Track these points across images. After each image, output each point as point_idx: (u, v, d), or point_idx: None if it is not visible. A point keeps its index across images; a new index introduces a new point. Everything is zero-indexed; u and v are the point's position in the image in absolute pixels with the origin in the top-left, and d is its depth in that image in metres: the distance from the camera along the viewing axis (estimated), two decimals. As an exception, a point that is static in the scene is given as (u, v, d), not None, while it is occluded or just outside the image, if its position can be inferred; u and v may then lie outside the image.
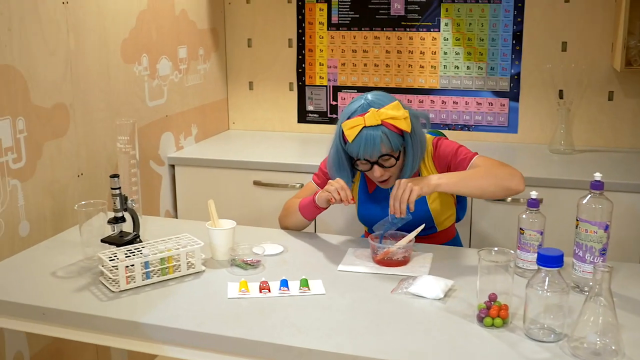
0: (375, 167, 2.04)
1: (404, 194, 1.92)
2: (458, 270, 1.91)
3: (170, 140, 3.15)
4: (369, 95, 2.05)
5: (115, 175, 2.00)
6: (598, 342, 1.44)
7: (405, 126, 2.00)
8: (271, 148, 3.32)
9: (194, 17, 3.30)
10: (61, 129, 2.38)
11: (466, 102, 3.38)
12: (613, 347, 1.44)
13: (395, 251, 1.94)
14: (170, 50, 3.09)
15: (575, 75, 3.16)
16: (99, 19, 2.56)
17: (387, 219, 2.00)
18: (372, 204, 2.20)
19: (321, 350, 1.50)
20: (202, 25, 3.39)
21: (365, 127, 1.98)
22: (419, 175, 2.13)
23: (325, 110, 3.59)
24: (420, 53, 3.39)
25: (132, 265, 1.81)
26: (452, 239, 2.28)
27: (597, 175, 1.72)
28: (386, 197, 2.17)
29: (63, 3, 2.35)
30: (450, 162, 2.10)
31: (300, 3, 3.51)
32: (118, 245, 1.95)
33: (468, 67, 3.34)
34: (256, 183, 3.06)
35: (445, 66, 3.37)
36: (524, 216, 1.84)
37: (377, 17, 3.42)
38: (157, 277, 1.85)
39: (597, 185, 1.72)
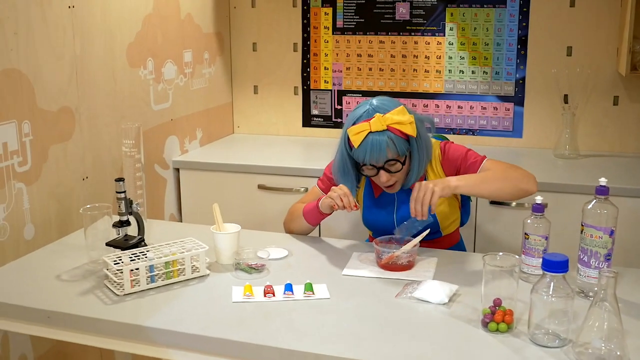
0: (382, 172, 2.04)
1: (425, 196, 1.90)
2: (463, 275, 1.91)
3: (175, 144, 3.16)
4: (374, 101, 2.05)
5: (121, 179, 2.00)
6: (603, 348, 1.43)
7: (411, 131, 2.00)
8: (276, 152, 3.32)
9: (199, 21, 3.31)
10: (67, 132, 2.38)
11: (471, 106, 3.38)
12: (618, 353, 1.43)
13: (400, 256, 1.94)
14: (175, 54, 3.10)
15: (581, 80, 3.15)
16: (104, 23, 2.56)
17: (407, 223, 2.00)
18: (377, 208, 2.20)
19: (325, 355, 1.50)
20: (208, 29, 3.40)
21: (371, 132, 1.98)
22: (425, 180, 2.13)
23: (330, 114, 3.60)
24: (425, 57, 3.39)
25: (137, 269, 1.81)
26: (456, 244, 2.28)
27: (603, 181, 1.72)
28: (391, 202, 2.17)
29: (69, 7, 2.36)
30: (460, 166, 2.10)
31: (305, 7, 3.52)
32: (123, 249, 1.96)
33: (473, 72, 3.34)
34: (261, 187, 3.06)
35: (450, 70, 3.37)
36: (528, 221, 1.83)
37: (382, 21, 3.42)
38: (162, 280, 1.85)
39: (602, 191, 1.71)
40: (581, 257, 1.75)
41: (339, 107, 3.57)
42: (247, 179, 3.08)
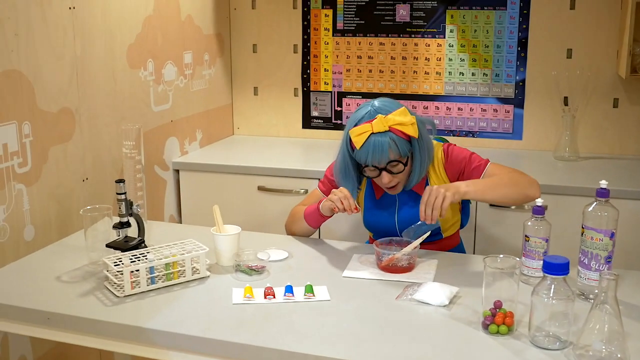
0: (384, 173, 2.04)
1: (437, 200, 1.90)
2: (463, 277, 1.91)
3: (175, 145, 3.16)
4: (376, 102, 2.05)
5: (121, 180, 2.00)
6: (604, 350, 1.43)
7: (413, 132, 2.01)
8: (276, 153, 3.32)
9: (199, 23, 3.31)
10: (67, 133, 2.38)
11: (471, 108, 3.38)
12: (619, 355, 1.43)
13: (400, 257, 1.94)
14: (175, 55, 3.10)
15: (581, 82, 3.15)
16: (105, 24, 2.56)
17: (415, 226, 2.00)
18: (378, 210, 2.20)
19: (326, 357, 1.50)
20: (208, 30, 3.40)
21: (373, 133, 1.99)
22: (427, 182, 2.13)
23: (329, 116, 3.60)
24: (425, 59, 3.40)
25: (137, 271, 1.81)
26: (456, 246, 2.28)
27: (603, 183, 1.72)
28: (393, 203, 2.17)
29: (70, 8, 2.36)
30: (464, 169, 2.11)
31: (305, 9, 3.52)
32: (123, 250, 1.96)
33: (473, 74, 3.34)
34: (260, 188, 3.06)
35: (450, 72, 3.37)
36: (529, 223, 1.83)
37: (382, 23, 3.42)
38: (162, 282, 1.85)
39: (602, 193, 1.71)
40: (582, 259, 1.75)
41: (339, 108, 3.57)
42: (247, 180, 3.08)
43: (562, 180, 2.81)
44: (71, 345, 1.85)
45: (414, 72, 3.42)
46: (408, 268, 1.95)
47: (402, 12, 3.39)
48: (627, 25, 2.84)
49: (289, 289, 1.80)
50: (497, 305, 1.59)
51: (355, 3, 3.44)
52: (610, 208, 1.71)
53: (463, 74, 3.35)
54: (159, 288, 1.84)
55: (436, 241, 2.18)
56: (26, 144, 2.19)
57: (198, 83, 3.33)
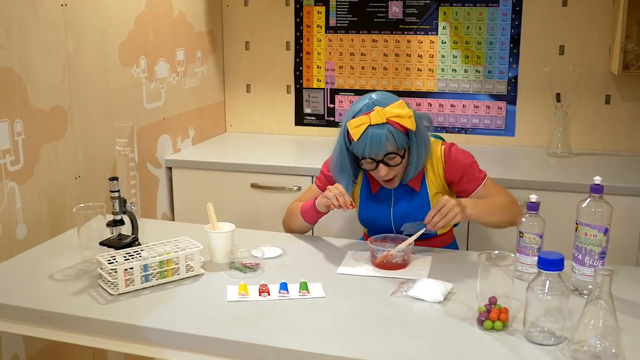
0: (381, 165, 2.04)
1: (449, 214, 1.94)
2: (458, 273, 1.91)
3: (168, 142, 3.15)
4: (374, 95, 2.06)
5: (115, 178, 1.99)
6: (598, 345, 1.44)
7: (410, 124, 2.01)
8: (268, 151, 3.32)
9: (191, 20, 3.30)
10: (59, 131, 2.37)
11: (463, 105, 3.38)
12: (613, 350, 1.44)
13: (395, 254, 1.94)
14: (168, 52, 3.09)
15: (573, 79, 3.16)
16: (97, 22, 2.55)
17: (417, 225, 2.01)
18: (374, 204, 2.20)
19: (321, 354, 1.50)
20: (200, 27, 3.39)
21: (370, 125, 1.99)
22: (424, 177, 2.14)
23: (322, 113, 3.59)
24: (418, 56, 3.40)
25: (131, 268, 1.80)
26: (450, 244, 2.28)
27: (597, 179, 1.72)
28: (389, 197, 2.17)
29: (62, 5, 2.34)
30: (463, 176, 2.12)
31: (298, 6, 3.51)
32: (117, 248, 1.95)
33: (465, 70, 3.34)
34: (253, 186, 3.05)
35: (442, 69, 3.38)
36: (523, 219, 1.84)
37: (375, 20, 3.42)
38: (156, 280, 1.85)
39: (596, 189, 1.72)
40: (576, 255, 1.75)
41: (332, 105, 3.57)
42: (239, 177, 3.07)
43: (555, 177, 2.82)
44: (64, 344, 1.84)
45: (407, 69, 3.42)
46: (402, 264, 1.95)
47: (395, 9, 3.39)
48: (620, 22, 2.85)
49: (284, 286, 1.80)
50: (492, 301, 1.59)
51: (348, 0, 3.44)
52: (604, 204, 1.72)
53: (456, 71, 3.36)
54: (153, 286, 1.84)
55: (430, 238, 2.18)
56: (18, 142, 2.18)
57: (190, 80, 3.32)
